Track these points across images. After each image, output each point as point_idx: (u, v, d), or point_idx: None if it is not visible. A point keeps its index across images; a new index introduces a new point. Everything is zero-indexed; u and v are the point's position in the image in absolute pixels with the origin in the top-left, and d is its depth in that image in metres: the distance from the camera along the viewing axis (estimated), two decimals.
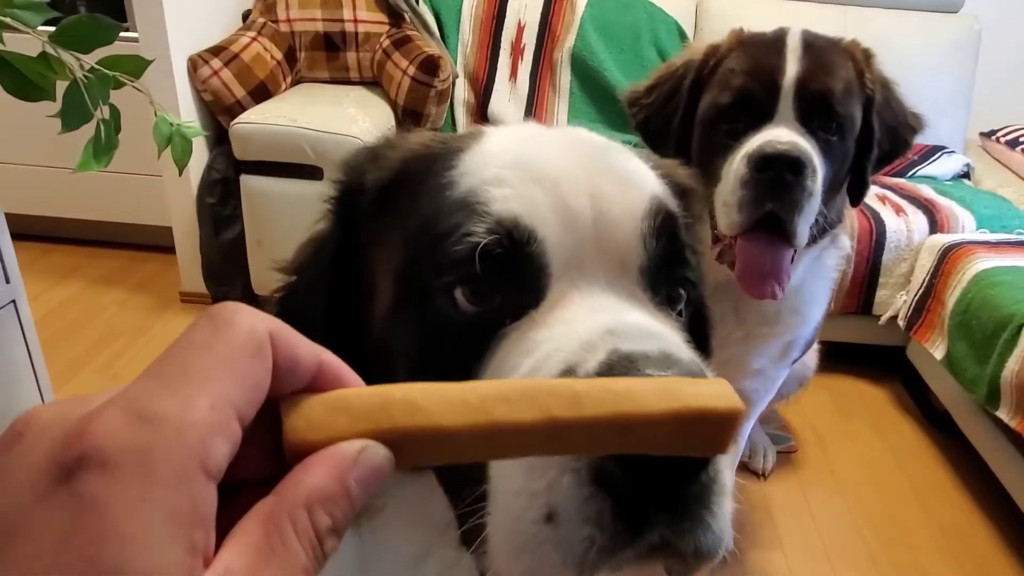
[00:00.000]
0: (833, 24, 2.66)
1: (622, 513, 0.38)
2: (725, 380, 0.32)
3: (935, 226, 2.11)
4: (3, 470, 0.23)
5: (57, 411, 0.24)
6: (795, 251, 1.08)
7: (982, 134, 2.83)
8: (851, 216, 1.29)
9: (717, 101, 1.11)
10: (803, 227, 1.03)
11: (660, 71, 1.29)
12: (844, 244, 1.25)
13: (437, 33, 2.61)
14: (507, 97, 2.64)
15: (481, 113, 2.65)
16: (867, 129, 1.13)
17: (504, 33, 2.65)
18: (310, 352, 0.30)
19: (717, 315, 1.19)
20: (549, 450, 0.31)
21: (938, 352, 1.92)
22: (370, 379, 0.33)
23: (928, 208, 2.16)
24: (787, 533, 1.70)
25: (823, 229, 1.12)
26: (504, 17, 2.65)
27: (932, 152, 2.53)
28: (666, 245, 0.52)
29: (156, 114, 1.00)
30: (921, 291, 2.04)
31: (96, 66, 0.95)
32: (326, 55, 2.55)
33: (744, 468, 1.87)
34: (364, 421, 0.29)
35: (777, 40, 1.10)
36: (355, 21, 2.51)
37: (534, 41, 2.66)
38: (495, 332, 0.47)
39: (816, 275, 1.22)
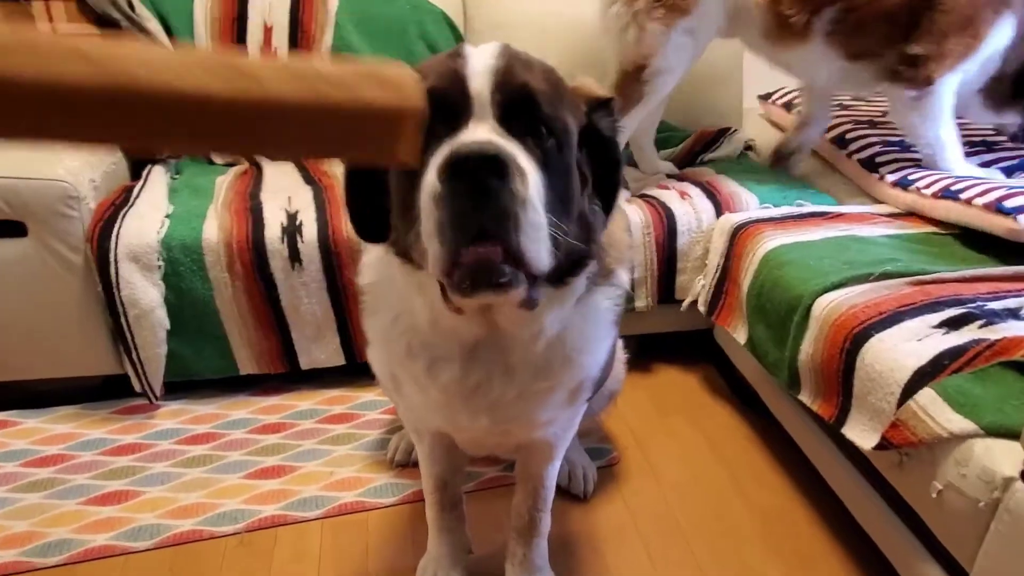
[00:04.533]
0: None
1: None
2: (405, 71, 0.34)
3: (720, 207, 2.07)
4: None
5: None
6: (534, 280, 0.87)
7: (760, 97, 2.87)
8: (621, 242, 1.11)
9: None
10: (534, 248, 0.81)
11: None
12: (621, 280, 1.07)
13: (165, 40, 2.23)
14: None
15: None
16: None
17: (249, 36, 2.32)
18: None
19: (483, 375, 0.99)
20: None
21: (740, 336, 1.87)
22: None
23: (710, 191, 2.12)
24: (613, 557, 1.57)
25: (575, 259, 0.93)
26: (246, 18, 2.32)
27: (716, 139, 2.51)
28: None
29: None
30: (717, 274, 1.99)
31: None
32: None
33: (565, 493, 1.72)
34: None
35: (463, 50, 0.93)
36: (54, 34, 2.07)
37: (286, 42, 2.35)
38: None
39: (587, 319, 1.05)
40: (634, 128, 2.12)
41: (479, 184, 0.77)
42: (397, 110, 0.29)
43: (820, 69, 2.06)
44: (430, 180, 0.80)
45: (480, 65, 0.86)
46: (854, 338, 1.45)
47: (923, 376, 1.29)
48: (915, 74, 1.94)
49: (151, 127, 0.28)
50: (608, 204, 1.00)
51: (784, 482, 1.81)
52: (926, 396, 1.26)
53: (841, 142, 2.36)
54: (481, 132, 0.83)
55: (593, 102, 0.97)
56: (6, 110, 0.27)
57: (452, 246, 0.80)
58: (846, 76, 2.07)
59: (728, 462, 1.88)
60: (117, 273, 1.79)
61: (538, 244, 0.82)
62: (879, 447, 1.32)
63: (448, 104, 0.85)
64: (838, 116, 2.48)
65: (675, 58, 1.99)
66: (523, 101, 0.85)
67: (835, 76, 2.08)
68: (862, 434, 1.39)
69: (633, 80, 2.00)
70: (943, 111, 2.00)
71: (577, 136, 0.93)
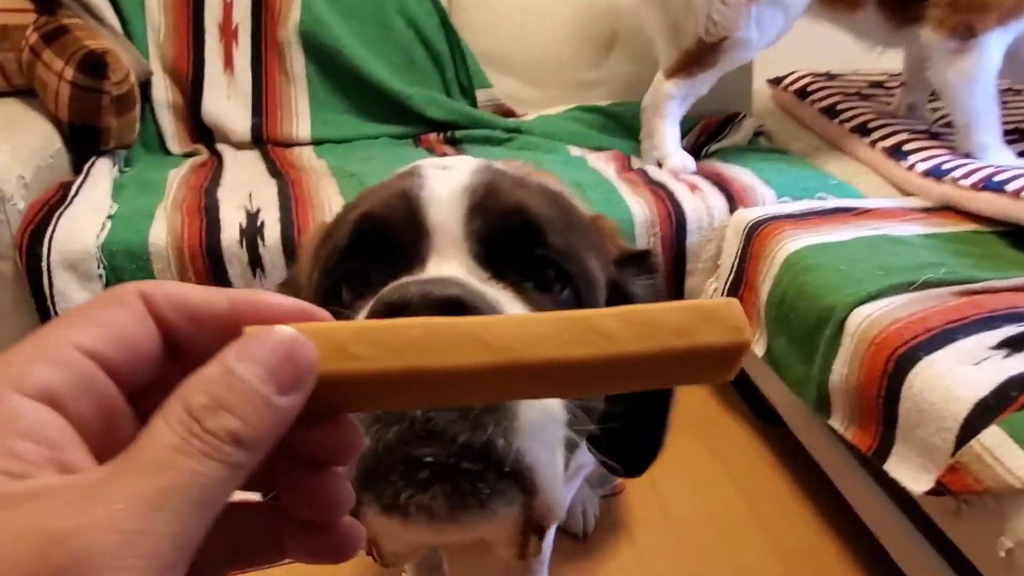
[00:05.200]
0: None
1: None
2: (733, 302, 0.30)
3: (733, 202, 1.86)
4: None
5: None
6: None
7: (770, 81, 2.66)
8: None
9: (329, 257, 0.62)
10: (540, 458, 0.49)
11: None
12: None
13: (112, 18, 1.99)
14: (225, 93, 2.09)
15: (193, 116, 2.08)
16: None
17: (207, 12, 2.08)
18: (205, 293, 0.30)
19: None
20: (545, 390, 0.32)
21: (759, 348, 1.66)
22: None
23: (720, 184, 1.91)
24: None
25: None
26: None
27: (722, 127, 2.29)
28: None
29: None
30: (732, 277, 1.78)
31: None
32: None
33: (562, 532, 1.53)
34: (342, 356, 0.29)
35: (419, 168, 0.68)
36: None
37: (248, 19, 2.11)
38: None
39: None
40: (698, 96, 2.02)
41: None
42: (733, 347, 0.30)
43: (876, 34, 1.98)
44: None
45: (445, 185, 0.58)
46: (898, 360, 1.24)
47: (986, 410, 1.09)
48: (956, 20, 1.73)
49: (517, 390, 0.31)
50: (659, 420, 0.74)
51: (811, 515, 1.61)
52: (992, 435, 1.06)
53: (863, 131, 2.14)
54: (443, 270, 0.55)
55: (624, 255, 0.70)
56: (406, 396, 0.30)
57: (378, 454, 0.48)
58: (901, 40, 1.97)
59: (746, 490, 1.69)
60: (51, 283, 1.57)
61: (548, 450, 0.50)
62: (933, 492, 1.13)
63: (392, 238, 0.57)
64: (857, 107, 2.27)
65: (759, 30, 1.88)
66: (517, 227, 0.57)
67: (892, 41, 1.98)
68: (910, 474, 1.19)
69: (712, 50, 1.90)
70: (985, 74, 1.77)
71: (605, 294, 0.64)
